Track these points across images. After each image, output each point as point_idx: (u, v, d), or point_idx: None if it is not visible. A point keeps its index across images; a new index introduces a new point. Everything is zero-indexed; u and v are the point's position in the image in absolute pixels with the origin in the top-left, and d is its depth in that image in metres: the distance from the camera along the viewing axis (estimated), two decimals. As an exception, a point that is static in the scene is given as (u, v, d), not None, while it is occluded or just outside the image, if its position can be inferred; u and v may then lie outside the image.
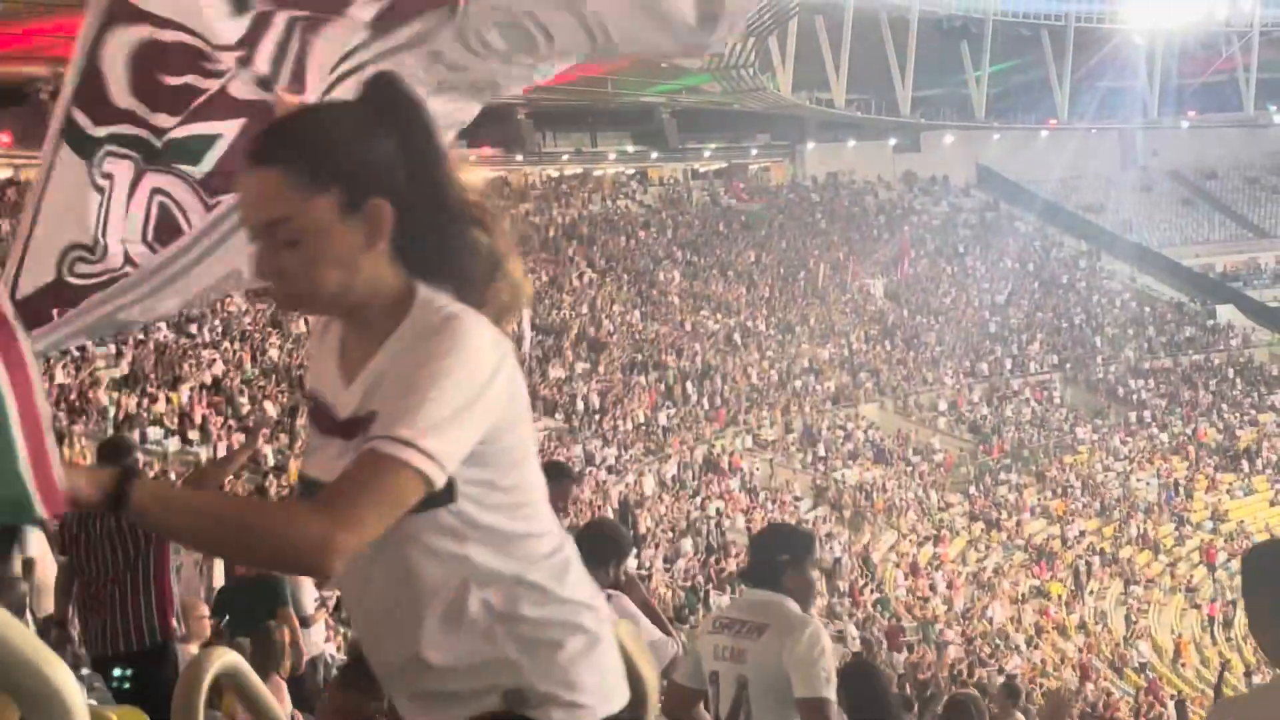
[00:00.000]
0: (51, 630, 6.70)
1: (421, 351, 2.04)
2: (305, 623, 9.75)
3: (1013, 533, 38.15)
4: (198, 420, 25.40)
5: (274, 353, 31.30)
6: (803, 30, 49.93)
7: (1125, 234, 60.61)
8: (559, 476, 5.94)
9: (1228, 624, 35.88)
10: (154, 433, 24.82)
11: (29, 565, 7.93)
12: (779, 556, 4.35)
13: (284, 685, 6.64)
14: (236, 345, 30.99)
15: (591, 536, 4.87)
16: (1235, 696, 3.61)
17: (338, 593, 10.75)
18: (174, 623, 6.39)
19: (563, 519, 4.66)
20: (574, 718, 2.18)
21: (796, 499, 35.83)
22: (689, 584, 27.37)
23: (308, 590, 9.98)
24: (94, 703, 4.42)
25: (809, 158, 62.45)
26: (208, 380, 27.88)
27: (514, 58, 3.92)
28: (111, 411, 24.53)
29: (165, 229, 4.11)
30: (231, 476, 21.07)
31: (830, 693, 4.01)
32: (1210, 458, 44.33)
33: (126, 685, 6.01)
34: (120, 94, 3.89)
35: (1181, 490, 42.13)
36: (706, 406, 38.94)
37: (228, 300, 33.41)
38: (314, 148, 2.08)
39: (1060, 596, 35.39)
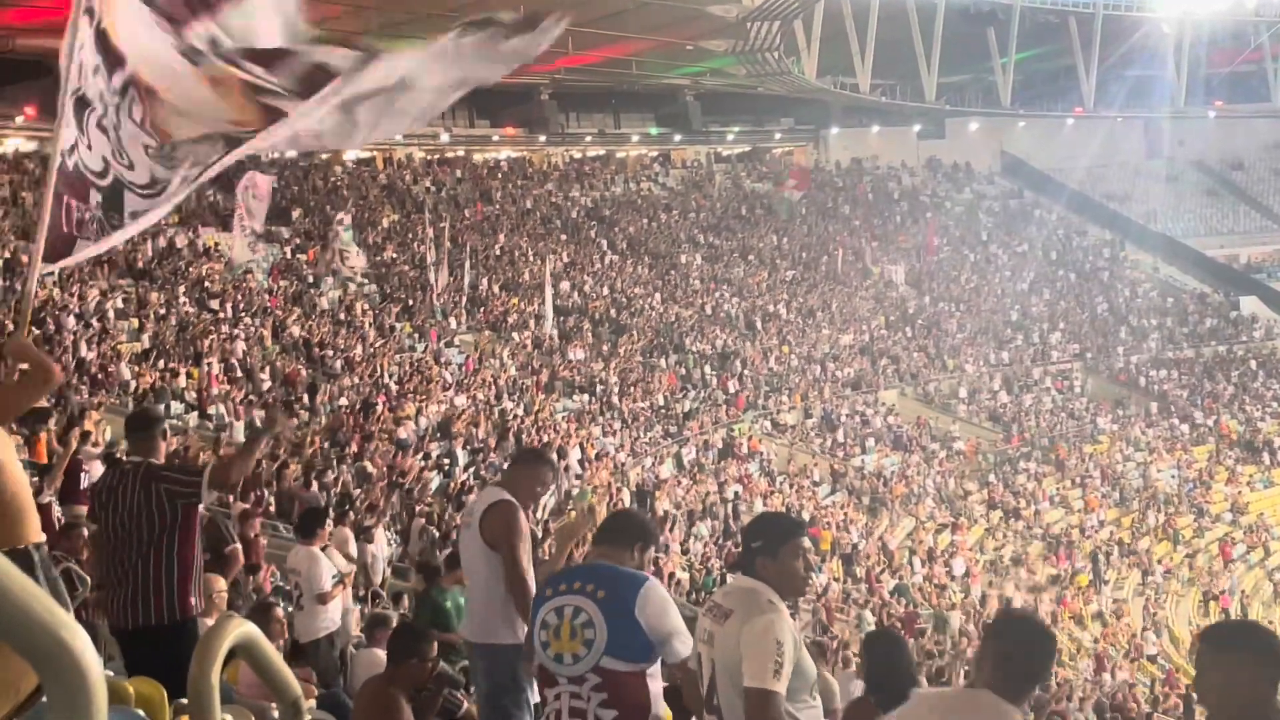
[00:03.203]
0: (92, 594, 6.62)
1: None
2: (323, 599, 9.80)
3: (1031, 521, 38.06)
4: (217, 395, 25.48)
5: (295, 329, 31.37)
6: (828, 14, 49.73)
7: (1150, 224, 60.37)
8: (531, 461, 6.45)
9: (1245, 616, 35.76)
10: (175, 407, 24.95)
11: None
12: (753, 543, 4.34)
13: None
14: (258, 321, 31.07)
15: (618, 523, 4.90)
16: (933, 690, 3.64)
17: (352, 568, 10.80)
18: (193, 601, 6.16)
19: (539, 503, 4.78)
20: None
21: (815, 484, 35.80)
22: (705, 567, 27.39)
23: (325, 567, 10.01)
24: (110, 673, 4.43)
25: (833, 142, 62.32)
26: (229, 356, 27.96)
27: None
28: (133, 385, 24.61)
29: None
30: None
31: (776, 685, 3.94)
32: (1231, 450, 44.15)
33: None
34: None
35: (1201, 482, 41.98)
36: (727, 390, 38.94)
37: (249, 276, 33.52)
38: None
39: (1079, 586, 35.30)
